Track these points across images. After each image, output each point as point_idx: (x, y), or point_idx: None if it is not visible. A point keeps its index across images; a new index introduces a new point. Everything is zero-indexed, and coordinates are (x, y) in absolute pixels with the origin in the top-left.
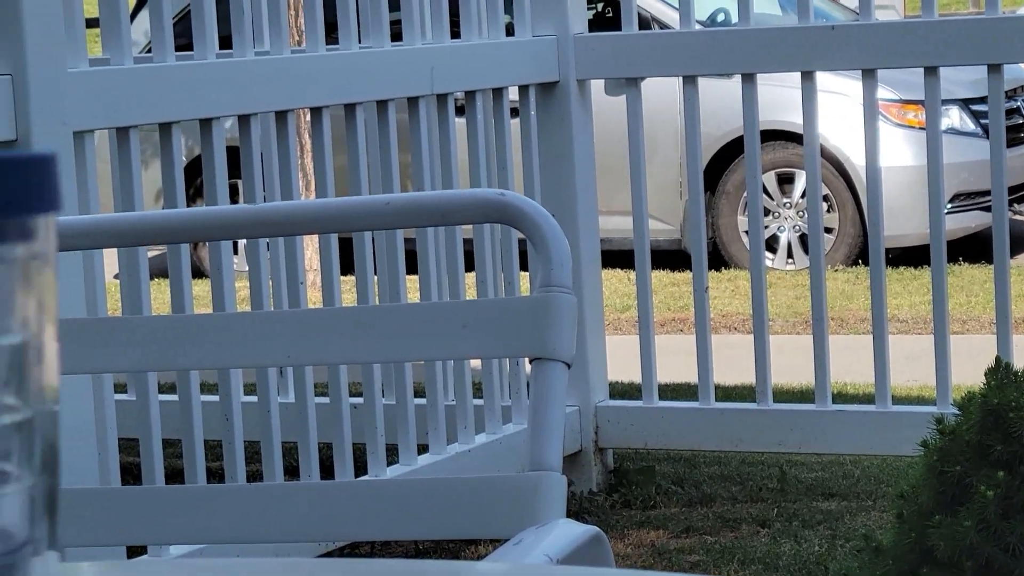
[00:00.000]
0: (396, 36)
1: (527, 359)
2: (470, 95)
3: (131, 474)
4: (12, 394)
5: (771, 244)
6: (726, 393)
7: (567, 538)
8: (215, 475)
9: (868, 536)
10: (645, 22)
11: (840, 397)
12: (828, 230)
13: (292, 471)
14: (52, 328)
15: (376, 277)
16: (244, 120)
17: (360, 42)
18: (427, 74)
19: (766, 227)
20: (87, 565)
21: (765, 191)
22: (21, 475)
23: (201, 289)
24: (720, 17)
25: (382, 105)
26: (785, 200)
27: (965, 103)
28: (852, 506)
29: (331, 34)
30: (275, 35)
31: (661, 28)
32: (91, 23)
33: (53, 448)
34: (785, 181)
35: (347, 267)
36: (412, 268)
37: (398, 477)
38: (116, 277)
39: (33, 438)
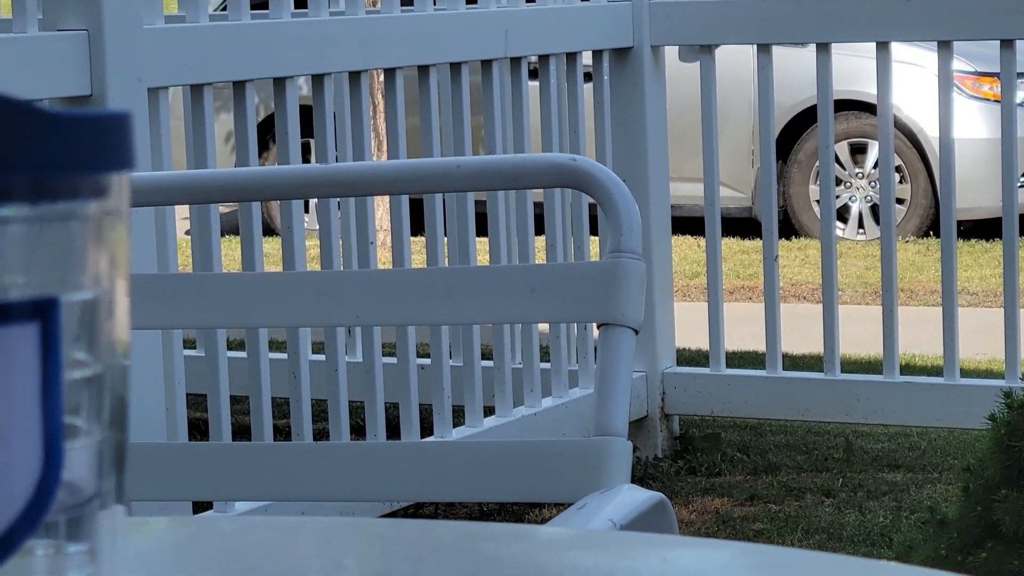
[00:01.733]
0: None
1: (595, 324)
2: (543, 59)
3: (198, 430)
4: (83, 349)
5: (842, 214)
6: (793, 362)
7: (631, 504)
8: (282, 432)
9: (933, 508)
10: None
11: (908, 369)
12: (900, 201)
13: (358, 430)
14: (124, 284)
15: (446, 239)
16: (318, 80)
17: (435, 4)
18: (501, 37)
19: (837, 197)
20: (154, 519)
21: (837, 161)
22: (90, 430)
23: (271, 247)
24: None
25: (455, 67)
26: (857, 170)
27: None
28: (918, 478)
29: None
30: None
31: None
32: None
33: (122, 403)
34: (858, 151)
35: (417, 228)
36: (482, 230)
37: (464, 439)
38: (187, 233)
39: (103, 393)
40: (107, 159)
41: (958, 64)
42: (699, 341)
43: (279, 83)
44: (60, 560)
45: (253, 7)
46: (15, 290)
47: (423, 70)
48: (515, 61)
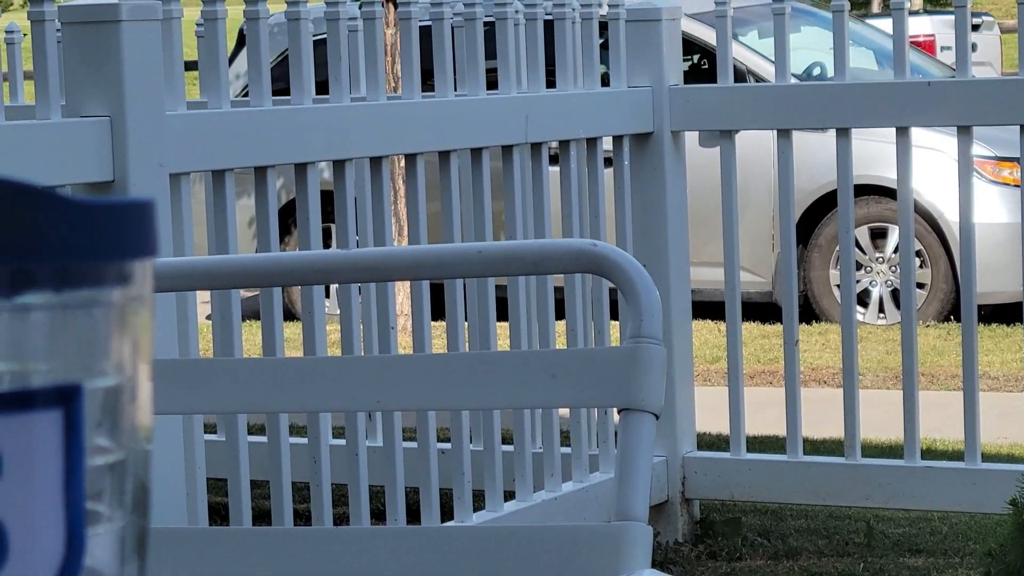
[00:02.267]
0: (492, 84)
1: (615, 409)
2: (564, 144)
3: (219, 514)
4: (106, 435)
5: (863, 298)
6: (814, 447)
7: None
8: (302, 517)
9: None
10: (740, 75)
11: (929, 453)
12: (920, 285)
13: (379, 515)
14: (146, 369)
15: (467, 323)
16: (339, 165)
17: (456, 89)
18: (522, 122)
19: (858, 281)
20: None
21: (857, 245)
22: (112, 515)
23: (292, 332)
24: (816, 71)
25: (476, 153)
26: (878, 255)
27: None
28: (939, 563)
29: (427, 81)
30: (371, 81)
31: (756, 81)
32: (189, 66)
33: (144, 488)
34: (878, 236)
35: (438, 312)
36: (502, 315)
37: (484, 524)
38: (208, 318)
39: (125, 478)
40: (130, 246)
41: (978, 149)
42: (719, 425)
43: (300, 168)
44: None
45: (275, 93)
46: (38, 377)
47: (444, 155)
48: (535, 146)
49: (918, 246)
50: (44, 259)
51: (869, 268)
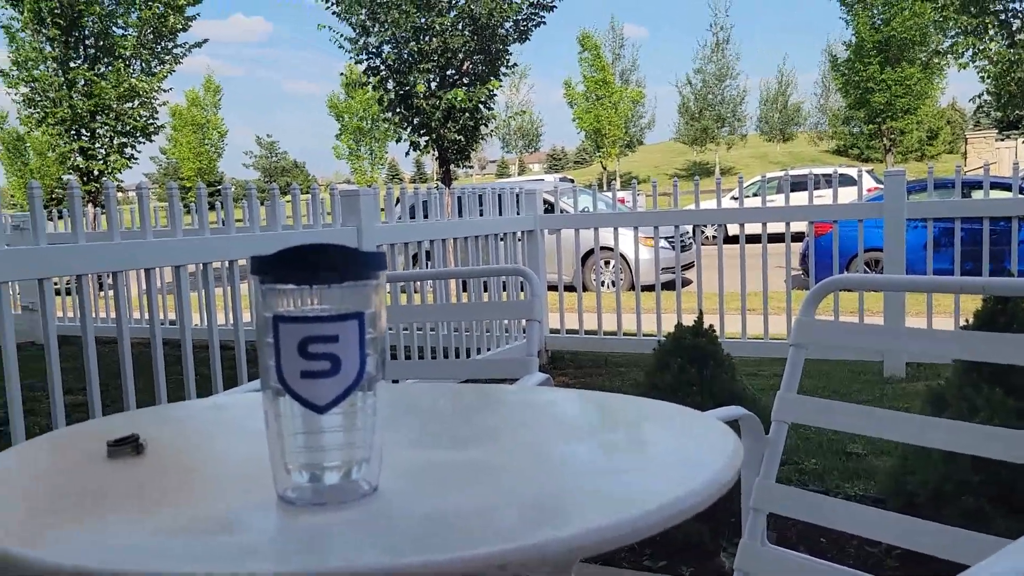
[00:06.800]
0: None
1: (524, 320)
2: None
3: None
4: (371, 327)
5: None
6: None
7: None
8: None
9: None
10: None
11: None
12: None
13: None
14: (384, 309)
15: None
16: None
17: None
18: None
19: None
20: None
21: None
22: (372, 353)
23: None
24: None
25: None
26: None
27: None
28: None
29: None
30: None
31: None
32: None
33: (383, 347)
34: None
35: None
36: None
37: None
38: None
39: (376, 342)
40: (375, 264)
41: None
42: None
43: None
44: None
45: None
46: (351, 308)
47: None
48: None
49: None
50: (341, 270)
51: None
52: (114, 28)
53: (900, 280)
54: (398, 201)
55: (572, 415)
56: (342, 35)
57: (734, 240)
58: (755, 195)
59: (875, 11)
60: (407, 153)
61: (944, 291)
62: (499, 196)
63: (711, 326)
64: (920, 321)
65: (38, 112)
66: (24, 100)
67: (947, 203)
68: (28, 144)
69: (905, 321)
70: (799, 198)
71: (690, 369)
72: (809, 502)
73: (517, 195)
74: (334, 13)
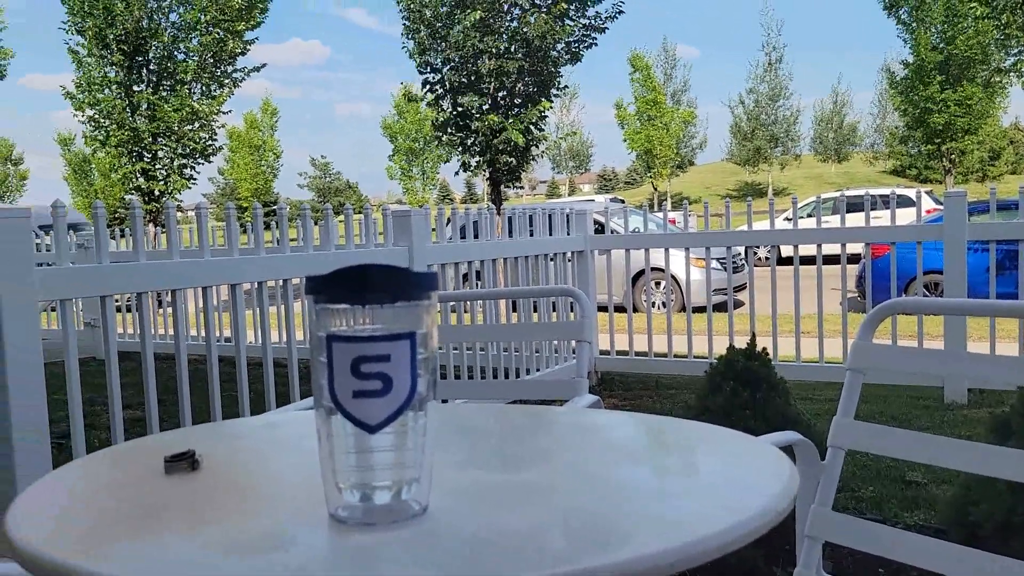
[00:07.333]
0: None
1: (575, 340)
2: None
3: None
4: (422, 348)
5: None
6: None
7: None
8: None
9: None
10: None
11: None
12: None
13: None
14: (435, 329)
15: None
16: None
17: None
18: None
19: None
20: None
21: None
22: (424, 374)
23: None
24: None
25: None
26: None
27: None
28: None
29: None
30: None
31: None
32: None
33: (435, 367)
34: None
35: None
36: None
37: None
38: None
39: (428, 362)
40: (427, 285)
41: None
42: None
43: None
44: None
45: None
46: (403, 328)
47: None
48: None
49: None
50: (394, 290)
51: None
52: (176, 53)
53: (960, 304)
54: (449, 221)
55: (623, 438)
56: (406, 48)
57: (787, 261)
58: (809, 215)
59: (934, 29)
60: (456, 173)
61: (1007, 315)
62: (549, 216)
63: (764, 348)
64: (982, 347)
65: (102, 134)
66: (89, 122)
67: (1010, 225)
68: (93, 165)
69: (967, 346)
70: (855, 219)
71: (743, 392)
72: (867, 531)
73: (567, 215)
74: (403, 32)
